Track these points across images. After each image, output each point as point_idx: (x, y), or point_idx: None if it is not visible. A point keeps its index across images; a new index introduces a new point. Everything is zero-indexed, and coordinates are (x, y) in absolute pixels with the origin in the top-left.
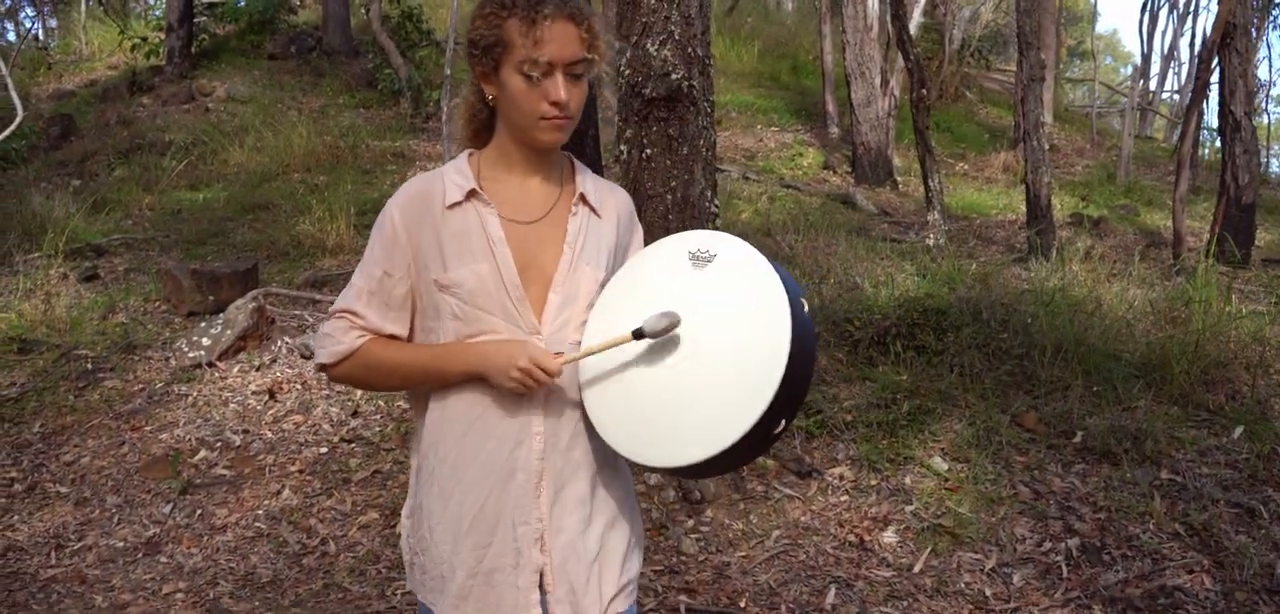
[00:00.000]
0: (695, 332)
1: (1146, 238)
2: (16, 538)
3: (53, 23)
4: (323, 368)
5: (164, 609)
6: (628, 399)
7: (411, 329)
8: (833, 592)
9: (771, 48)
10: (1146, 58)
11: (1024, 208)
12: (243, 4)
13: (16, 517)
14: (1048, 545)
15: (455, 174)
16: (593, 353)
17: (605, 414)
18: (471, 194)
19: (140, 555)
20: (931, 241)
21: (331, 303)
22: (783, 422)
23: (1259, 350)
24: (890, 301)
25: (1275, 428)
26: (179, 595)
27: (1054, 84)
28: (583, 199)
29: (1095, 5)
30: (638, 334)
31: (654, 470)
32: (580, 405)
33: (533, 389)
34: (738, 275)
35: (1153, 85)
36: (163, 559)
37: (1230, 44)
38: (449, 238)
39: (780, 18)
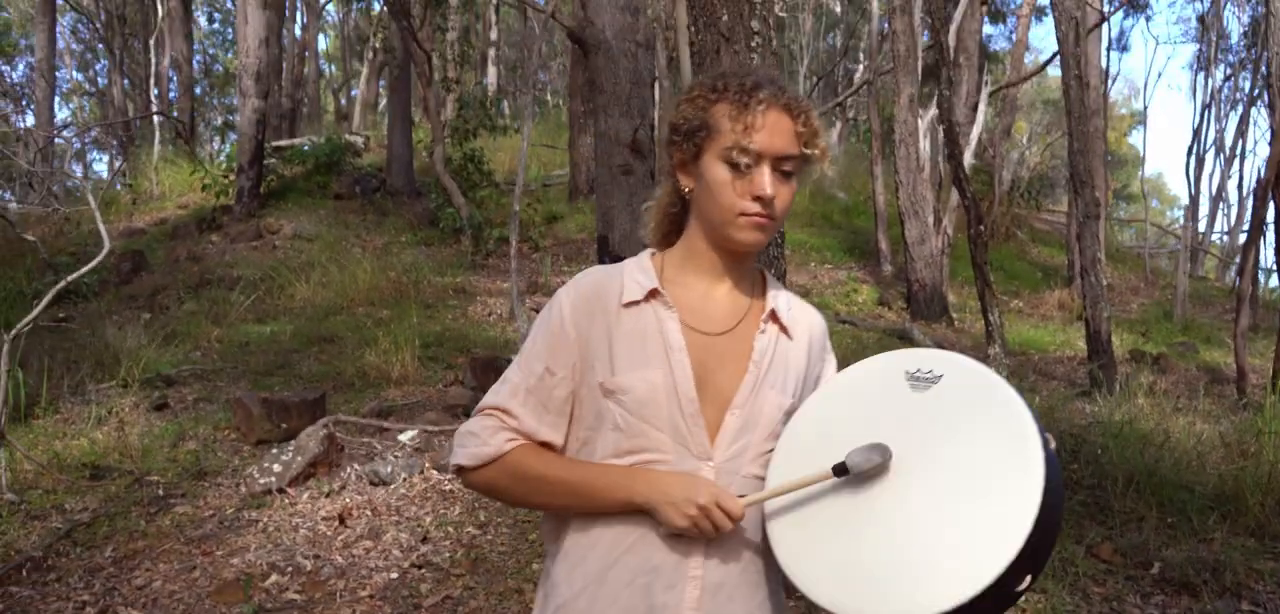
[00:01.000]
0: (919, 465)
1: (1208, 374)
2: None
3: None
4: (460, 471)
5: None
6: (835, 543)
7: (566, 441)
8: None
9: (822, 189)
10: (1195, 199)
11: (1082, 344)
12: (309, 148)
13: None
14: (1048, 560)
15: (637, 271)
16: (784, 492)
17: (805, 560)
18: (653, 294)
19: None
20: None
21: (399, 432)
22: (1028, 578)
23: None
24: None
25: None
26: None
27: (1104, 224)
28: (773, 316)
29: (1139, 151)
30: (839, 470)
31: None
32: (748, 551)
33: (710, 534)
34: (973, 402)
35: (1202, 226)
36: None
37: None
38: (621, 338)
39: (831, 160)
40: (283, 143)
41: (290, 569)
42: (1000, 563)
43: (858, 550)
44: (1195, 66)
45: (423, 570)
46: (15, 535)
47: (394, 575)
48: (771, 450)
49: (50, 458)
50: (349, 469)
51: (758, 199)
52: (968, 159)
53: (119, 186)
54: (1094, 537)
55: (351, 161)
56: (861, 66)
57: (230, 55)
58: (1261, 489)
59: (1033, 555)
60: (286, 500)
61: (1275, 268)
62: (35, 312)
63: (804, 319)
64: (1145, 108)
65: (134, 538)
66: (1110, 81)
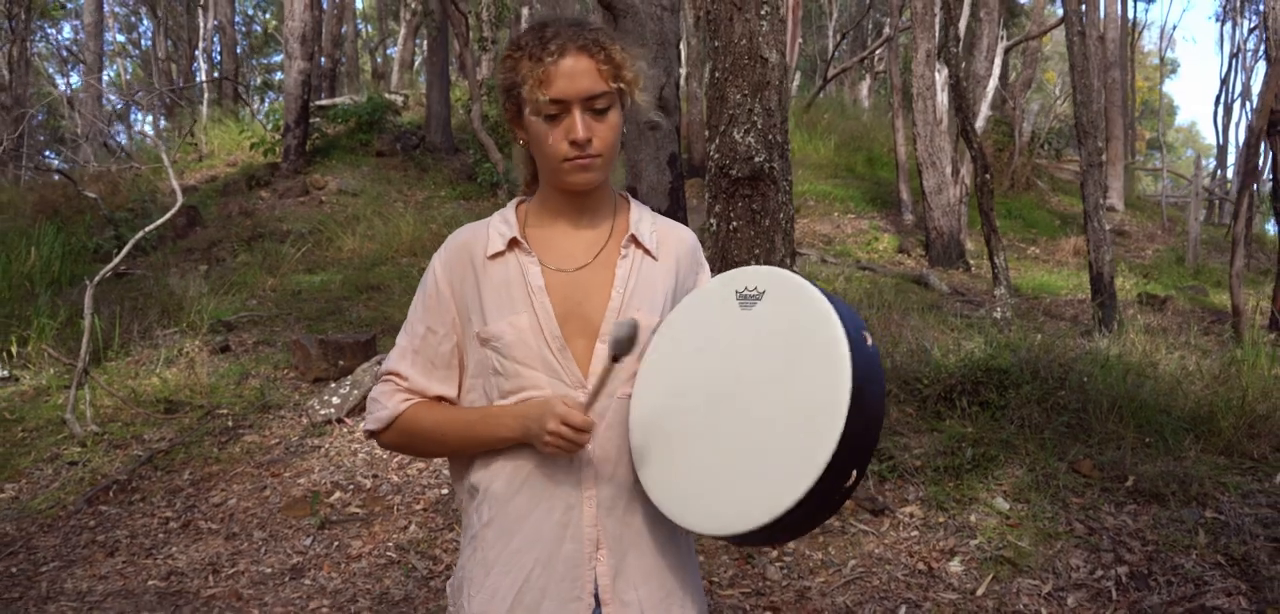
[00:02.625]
0: (748, 379)
1: (1212, 315)
2: (177, 565)
3: (163, 123)
4: (371, 435)
5: None
6: (679, 461)
7: (460, 390)
8: (903, 610)
9: (847, 141)
10: (1223, 148)
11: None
12: (350, 106)
13: (175, 548)
14: (1099, 573)
15: (500, 223)
16: (597, 393)
17: (657, 479)
18: (513, 243)
19: (287, 579)
20: (998, 314)
21: None
22: (854, 472)
23: None
24: (957, 363)
25: None
26: (324, 609)
27: (1125, 173)
28: (634, 240)
29: (1172, 100)
30: (614, 357)
31: (716, 538)
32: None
33: (571, 450)
34: (789, 312)
35: (1230, 174)
36: (307, 582)
37: (1278, 130)
38: (489, 289)
39: (856, 113)
40: (325, 102)
41: (352, 487)
42: (818, 465)
43: (698, 464)
44: (1221, 17)
45: None
46: (100, 462)
47: (445, 491)
48: None
49: (127, 394)
50: None
51: (573, 142)
52: (984, 111)
53: (191, 142)
54: (1075, 454)
55: (391, 120)
56: (888, 21)
57: (268, 16)
58: (1234, 413)
59: (853, 451)
60: (345, 429)
61: (1273, 212)
62: (115, 261)
63: (671, 237)
64: (1161, 59)
65: (208, 463)
66: (1143, 31)
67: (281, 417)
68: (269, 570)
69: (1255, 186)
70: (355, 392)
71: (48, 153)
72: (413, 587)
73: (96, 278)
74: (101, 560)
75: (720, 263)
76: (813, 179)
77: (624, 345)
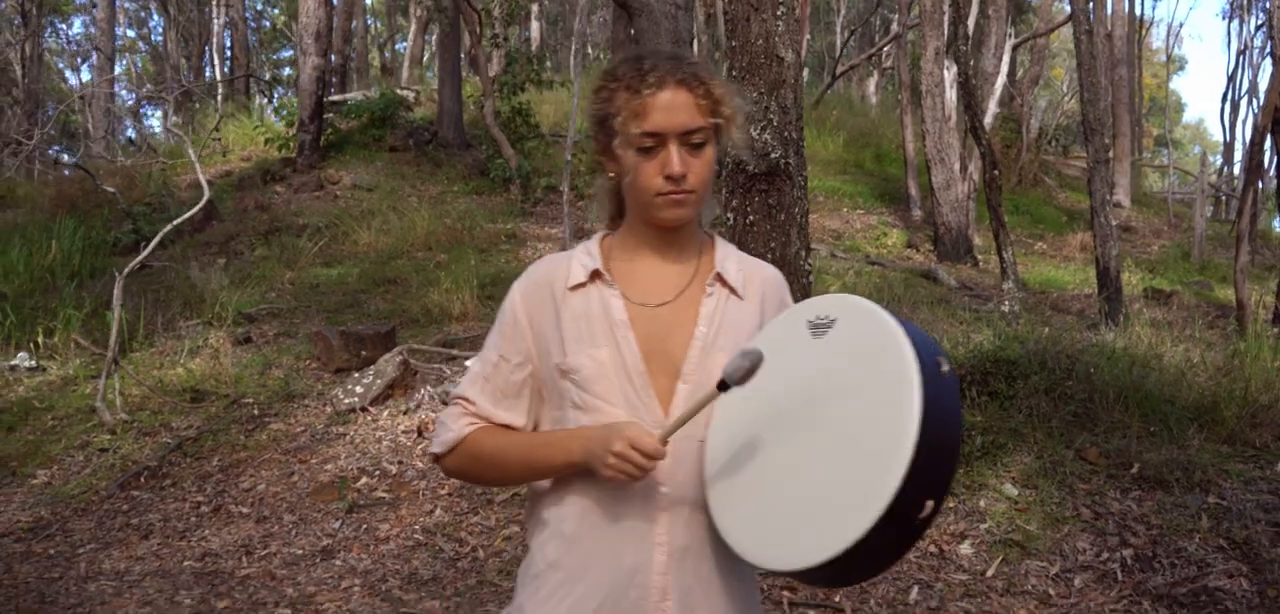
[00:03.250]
0: (820, 410)
1: (1217, 310)
2: (211, 546)
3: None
4: (436, 459)
5: (345, 599)
6: (754, 497)
7: (538, 422)
8: (915, 590)
9: (856, 137)
10: (1229, 145)
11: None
12: (363, 102)
13: (208, 530)
14: (1105, 555)
15: (583, 254)
16: (682, 419)
17: (727, 515)
18: (595, 275)
19: (318, 560)
20: (1006, 308)
21: (465, 359)
22: (929, 503)
23: None
24: (966, 355)
25: None
26: (356, 588)
27: (1131, 170)
28: (719, 278)
29: (1180, 97)
30: (722, 385)
31: (786, 575)
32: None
33: (635, 476)
34: (861, 338)
35: (1237, 171)
36: (338, 562)
37: None
38: (569, 321)
39: (864, 110)
40: (336, 98)
41: (378, 472)
42: (886, 496)
43: (771, 498)
44: (1228, 14)
45: None
46: (130, 449)
47: None
48: None
49: (154, 383)
50: (422, 391)
51: (669, 177)
52: (992, 108)
53: (216, 137)
54: (1082, 442)
55: (404, 115)
56: (895, 18)
57: (277, 11)
58: (1238, 403)
59: (926, 481)
60: (369, 417)
61: (1278, 208)
62: (144, 253)
63: (757, 278)
64: (1167, 57)
65: (236, 450)
66: (1152, 28)
67: (305, 405)
68: (300, 552)
69: (1260, 183)
70: (378, 381)
71: (55, 147)
72: (440, 567)
73: (126, 270)
74: (137, 543)
75: None
76: (821, 175)
77: (739, 376)
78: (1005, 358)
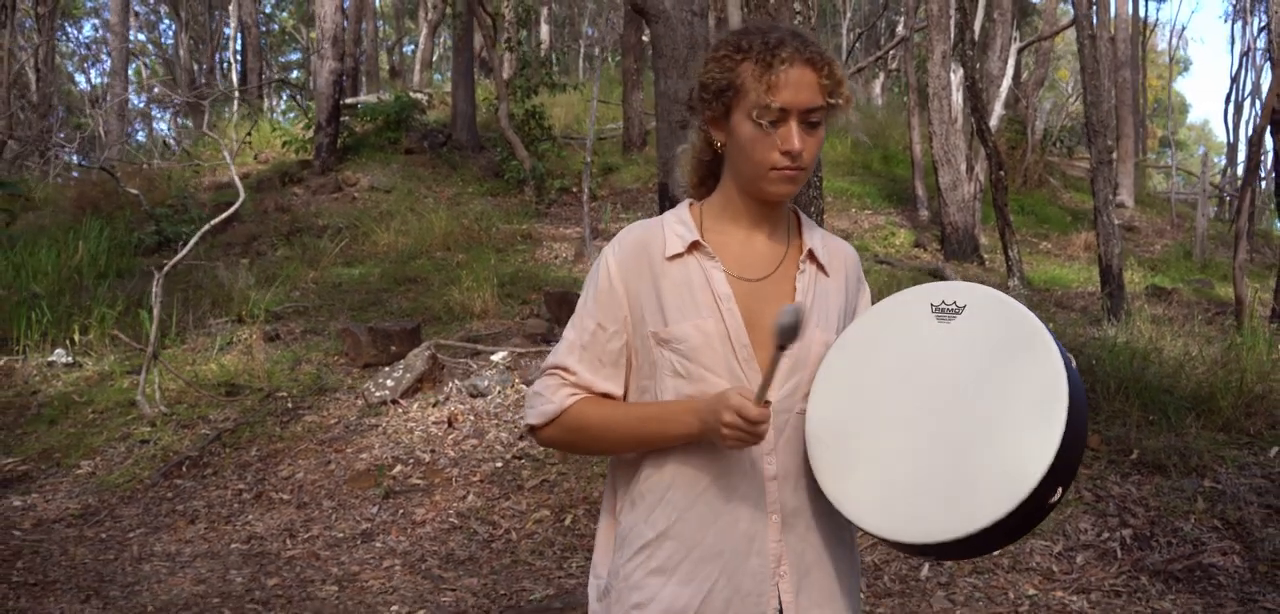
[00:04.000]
0: (952, 393)
1: (1217, 307)
2: (256, 530)
3: (187, 122)
4: (532, 431)
5: (387, 577)
6: (873, 471)
7: (626, 389)
8: (926, 567)
9: (863, 140)
10: (1233, 146)
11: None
12: (378, 105)
13: (252, 514)
14: (1105, 535)
15: (677, 224)
16: (768, 381)
17: (839, 483)
18: (694, 246)
19: (359, 542)
20: None
21: (491, 354)
22: (1059, 489)
23: None
24: None
25: None
26: (397, 567)
27: (1135, 171)
28: (811, 256)
29: (1185, 98)
30: (780, 344)
31: (908, 547)
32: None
33: (749, 441)
34: (996, 328)
35: (1240, 171)
36: (377, 544)
37: None
38: (669, 290)
39: (871, 112)
40: (351, 101)
41: (412, 461)
42: (1032, 479)
43: (891, 473)
44: (1230, 16)
45: (522, 461)
46: (170, 440)
47: (499, 464)
48: None
49: (190, 378)
50: (450, 384)
51: (786, 153)
52: (998, 110)
53: (248, 142)
54: None
55: (418, 118)
56: (901, 21)
57: (285, 14)
58: (1233, 393)
59: (1063, 470)
60: (400, 410)
61: (1277, 208)
62: (181, 253)
63: (839, 254)
64: (1171, 59)
65: (273, 441)
66: (1154, 29)
67: (338, 399)
68: (341, 535)
69: (1261, 183)
70: (408, 375)
71: (73, 152)
72: (475, 548)
73: (165, 268)
74: (184, 527)
75: None
76: (830, 176)
77: (789, 333)
78: None
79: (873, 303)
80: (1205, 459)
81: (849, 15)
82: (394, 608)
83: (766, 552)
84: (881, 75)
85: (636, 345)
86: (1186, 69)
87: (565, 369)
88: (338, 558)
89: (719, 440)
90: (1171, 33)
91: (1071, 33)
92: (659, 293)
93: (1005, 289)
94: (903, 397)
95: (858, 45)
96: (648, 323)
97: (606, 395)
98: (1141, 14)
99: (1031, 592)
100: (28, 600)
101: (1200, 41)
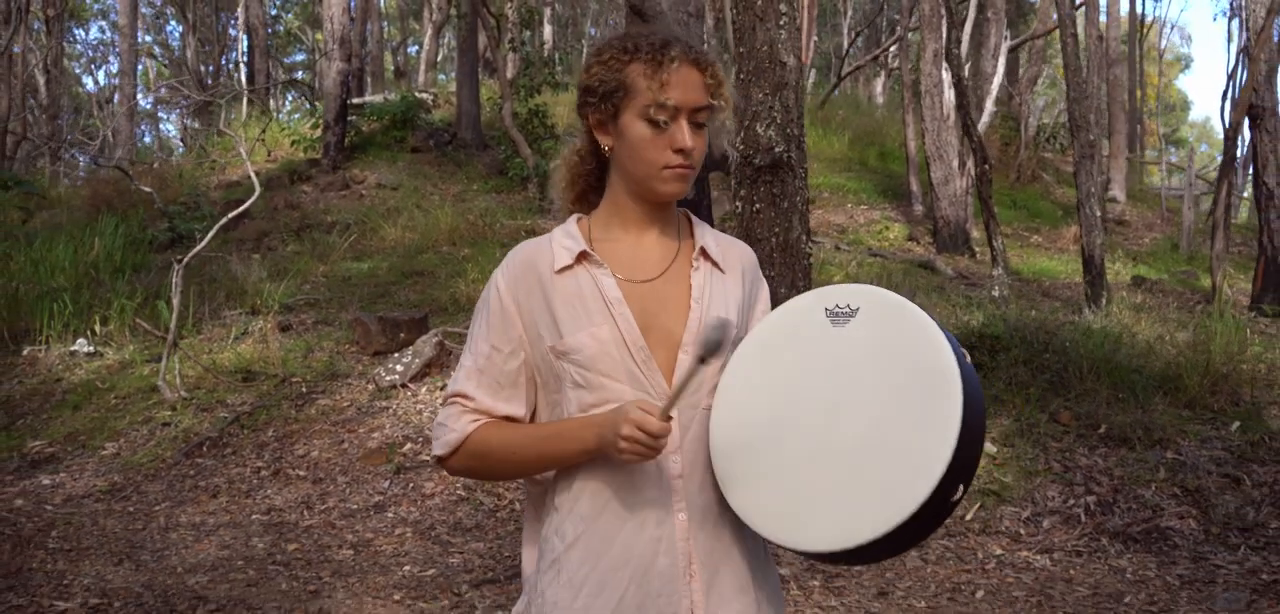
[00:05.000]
0: (847, 397)
1: (1198, 296)
2: (275, 503)
3: (194, 123)
4: (439, 462)
5: (399, 542)
6: (774, 479)
7: (535, 410)
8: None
9: (860, 136)
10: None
11: None
12: (384, 104)
13: (270, 489)
14: (1072, 502)
15: (564, 237)
16: (677, 394)
17: (749, 498)
18: (582, 256)
19: (372, 513)
20: (996, 293)
21: None
22: (960, 487)
23: (1262, 369)
24: (955, 331)
25: (1265, 424)
26: (408, 534)
27: (1128, 166)
28: (704, 253)
29: (1186, 95)
30: (700, 359)
31: (810, 555)
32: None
33: (648, 455)
34: (890, 330)
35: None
36: (390, 514)
37: (1260, 123)
38: (561, 303)
39: (870, 110)
40: (358, 101)
41: (420, 440)
42: (931, 481)
43: (790, 479)
44: (1228, 13)
45: None
46: (191, 423)
47: None
48: None
49: (208, 365)
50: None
51: (679, 151)
52: (989, 107)
53: (262, 141)
54: (1056, 407)
55: (424, 117)
56: (899, 20)
57: (290, 15)
58: (1199, 372)
59: (962, 467)
60: (409, 393)
61: (1254, 200)
62: (200, 245)
63: (734, 252)
64: (1160, 57)
65: (289, 423)
66: (1151, 26)
67: (349, 383)
68: (355, 507)
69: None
70: (416, 360)
71: (86, 152)
72: (481, 517)
73: (185, 260)
74: (207, 501)
75: (744, 241)
76: (827, 172)
77: (714, 347)
78: (989, 334)
79: (862, 297)
80: (1169, 433)
81: (850, 14)
82: (406, 568)
83: (675, 552)
84: (883, 73)
85: (537, 363)
86: (1188, 66)
87: (464, 396)
88: (352, 526)
89: (615, 454)
90: (1161, 30)
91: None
92: (551, 307)
93: (991, 278)
94: (801, 403)
95: (858, 43)
96: (545, 338)
97: (508, 418)
98: (1139, 11)
99: (998, 552)
100: (65, 564)
101: (1188, 40)
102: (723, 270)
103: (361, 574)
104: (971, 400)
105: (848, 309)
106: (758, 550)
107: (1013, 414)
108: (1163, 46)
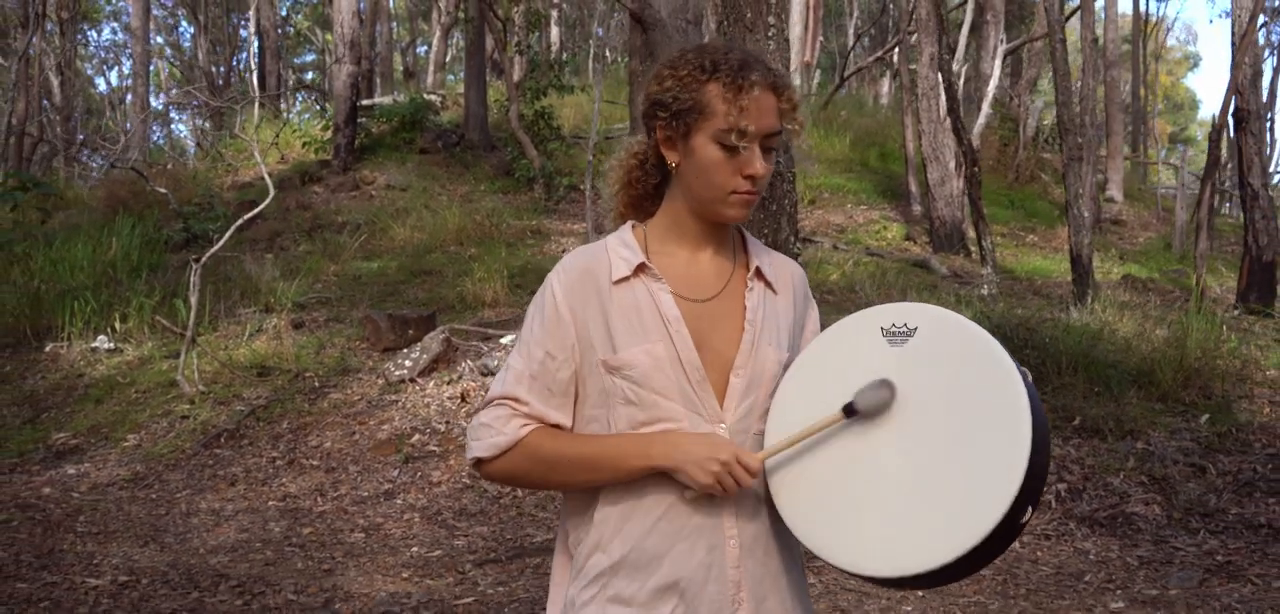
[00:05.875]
0: (909, 419)
1: (1186, 294)
2: (290, 490)
3: (204, 124)
4: (479, 464)
5: (407, 526)
6: (835, 501)
7: (574, 422)
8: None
9: (862, 137)
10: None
11: None
12: (393, 106)
13: (286, 478)
14: (1044, 489)
15: (621, 247)
16: (800, 441)
17: (808, 518)
18: (640, 268)
19: (382, 500)
20: (985, 291)
21: (500, 337)
22: (1029, 509)
23: (1236, 365)
24: None
25: (1234, 417)
26: (416, 518)
27: (1126, 166)
28: (758, 274)
29: (1195, 94)
30: (849, 411)
31: (879, 580)
32: (772, 508)
33: (732, 491)
34: (948, 348)
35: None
36: (398, 501)
37: (1245, 126)
38: (617, 315)
39: (873, 111)
40: (367, 102)
41: (429, 431)
42: (1003, 504)
43: (853, 502)
44: (1230, 14)
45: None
46: (208, 416)
47: None
48: None
49: (224, 360)
50: (464, 365)
51: (749, 176)
52: (985, 109)
53: (276, 144)
54: None
55: (432, 119)
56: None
57: (299, 17)
58: (1173, 367)
59: (1031, 490)
60: (417, 387)
61: (1239, 201)
62: (218, 244)
63: (785, 272)
64: (1156, 58)
65: (302, 416)
66: (1156, 27)
67: (360, 378)
68: (366, 494)
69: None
70: (424, 356)
71: (108, 152)
72: (486, 503)
73: (203, 259)
74: (225, 489)
75: None
76: (827, 173)
77: (874, 409)
78: None
79: (920, 316)
80: (1140, 425)
81: (855, 14)
82: (414, 549)
83: (725, 578)
84: (888, 75)
85: (584, 374)
86: (1196, 65)
87: (516, 399)
88: (364, 512)
89: (698, 475)
90: (1167, 30)
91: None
92: (607, 319)
93: (979, 277)
94: (862, 428)
95: (862, 44)
96: (597, 350)
97: (557, 426)
98: (1143, 10)
99: None
100: (93, 545)
101: (1194, 38)
102: (776, 291)
103: (372, 555)
104: (1038, 421)
105: (906, 329)
106: (800, 578)
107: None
108: (1170, 44)
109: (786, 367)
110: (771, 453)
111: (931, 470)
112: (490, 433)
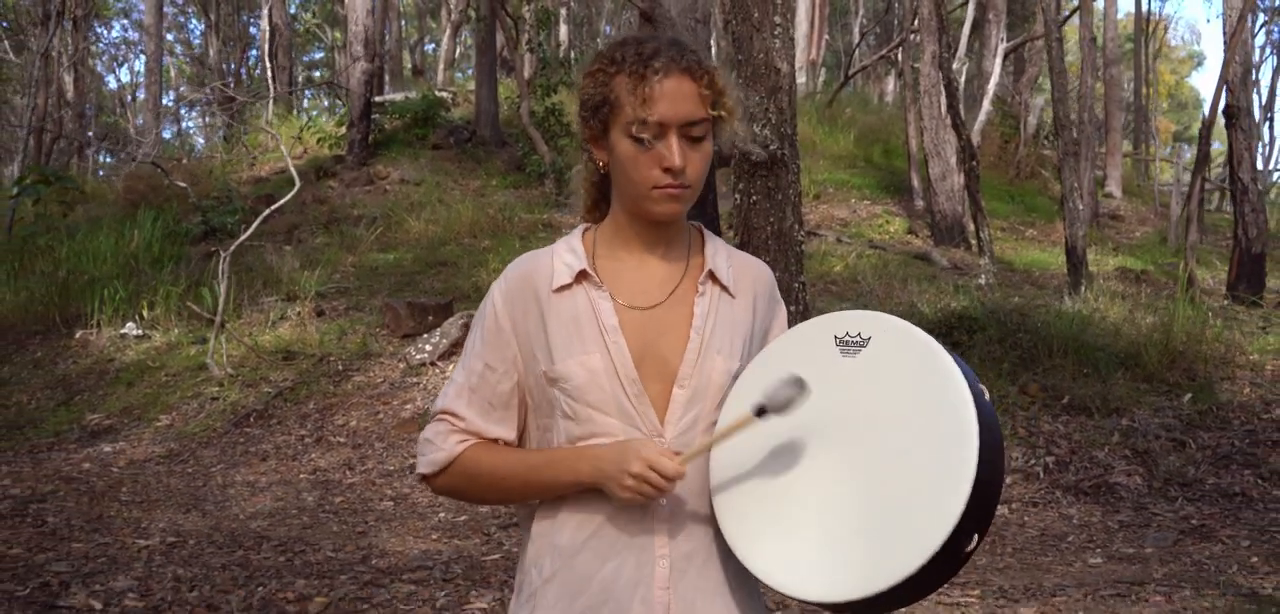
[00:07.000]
0: (856, 434)
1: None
2: (319, 465)
3: (212, 119)
4: (424, 479)
5: (434, 497)
6: (775, 519)
7: (523, 432)
8: None
9: (866, 134)
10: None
11: None
12: (405, 103)
13: (315, 454)
14: (1032, 462)
15: (567, 252)
16: (713, 444)
17: (749, 538)
18: (582, 276)
19: (408, 473)
20: (982, 281)
21: None
22: (975, 536)
23: (1220, 348)
24: (935, 312)
25: (1215, 396)
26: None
27: (1125, 162)
28: (712, 276)
29: (1198, 93)
30: (760, 411)
31: (814, 604)
32: (710, 524)
33: (652, 497)
34: (900, 362)
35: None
36: None
37: (1235, 123)
38: (556, 325)
39: (878, 108)
40: (379, 99)
41: None
42: (944, 530)
43: (796, 523)
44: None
45: None
46: (237, 397)
47: None
48: None
49: (251, 345)
50: None
51: (667, 170)
52: (985, 106)
53: (298, 140)
54: (1025, 380)
55: (444, 115)
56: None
57: (309, 14)
58: (1158, 349)
59: (978, 515)
60: (437, 369)
61: (1230, 194)
62: (244, 235)
63: (747, 274)
64: (1153, 57)
65: (328, 397)
66: (1170, 26)
67: (382, 362)
68: (392, 468)
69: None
70: (444, 340)
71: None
72: None
73: (231, 247)
74: (258, 464)
75: (743, 230)
76: (832, 169)
77: (781, 406)
78: (967, 315)
79: (874, 325)
80: (1126, 403)
81: (861, 13)
82: (441, 515)
83: (651, 600)
84: (893, 73)
85: (530, 385)
86: (1200, 64)
87: (454, 414)
88: (391, 484)
89: (615, 489)
90: (1169, 28)
91: (1069, 32)
92: (546, 328)
93: (977, 267)
94: (808, 442)
95: (867, 42)
96: (539, 361)
97: (497, 441)
98: (1145, 9)
99: None
100: (139, 513)
101: (1198, 37)
102: (733, 294)
103: (402, 520)
104: (988, 442)
105: (859, 338)
106: (753, 593)
107: (984, 386)
108: (1175, 43)
109: (737, 376)
110: (690, 456)
111: (874, 491)
112: (431, 449)
